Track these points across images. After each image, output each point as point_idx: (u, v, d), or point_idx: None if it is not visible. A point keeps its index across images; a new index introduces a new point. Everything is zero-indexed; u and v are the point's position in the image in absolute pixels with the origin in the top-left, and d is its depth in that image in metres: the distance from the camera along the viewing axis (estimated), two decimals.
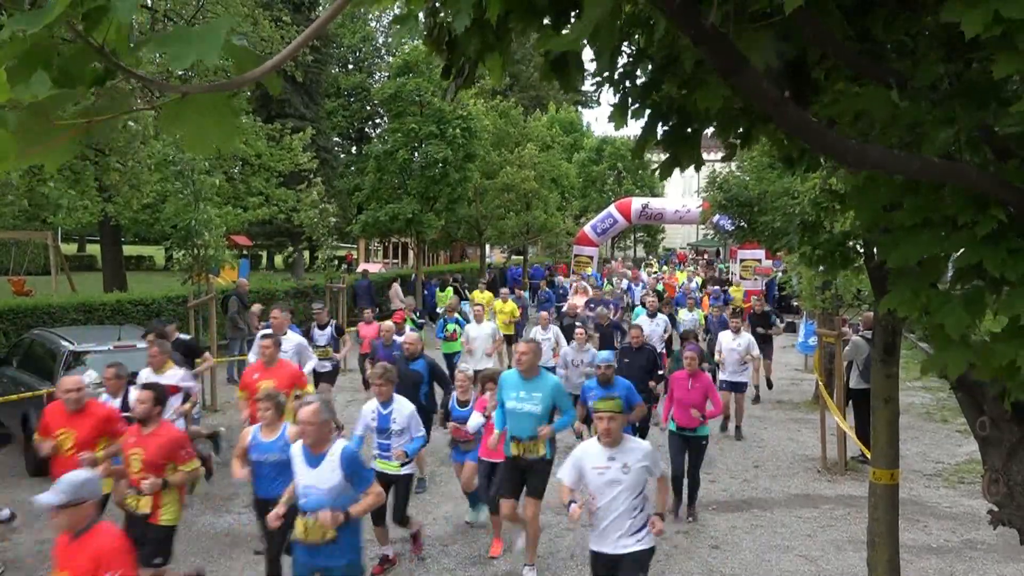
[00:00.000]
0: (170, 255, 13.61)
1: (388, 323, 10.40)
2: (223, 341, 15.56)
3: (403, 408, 6.45)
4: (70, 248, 42.73)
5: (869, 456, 5.21)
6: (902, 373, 5.98)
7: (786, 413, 12.64)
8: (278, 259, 48.02)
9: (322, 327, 11.13)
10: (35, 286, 24.15)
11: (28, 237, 21.20)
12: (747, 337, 11.52)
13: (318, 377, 10.19)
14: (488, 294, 17.09)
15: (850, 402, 9.82)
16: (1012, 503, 2.83)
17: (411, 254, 28.86)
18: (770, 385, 13.95)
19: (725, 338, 11.50)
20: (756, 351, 11.62)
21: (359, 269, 23.93)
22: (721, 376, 11.28)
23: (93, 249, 42.47)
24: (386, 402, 6.44)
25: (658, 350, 10.69)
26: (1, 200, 14.44)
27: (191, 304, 12.49)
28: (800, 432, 11.37)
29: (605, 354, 8.27)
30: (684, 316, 15.47)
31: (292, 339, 9.07)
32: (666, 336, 13.09)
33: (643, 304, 14.05)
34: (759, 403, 13.22)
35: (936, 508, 8.25)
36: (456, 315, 13.38)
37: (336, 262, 18.72)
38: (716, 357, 11.59)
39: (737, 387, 11.24)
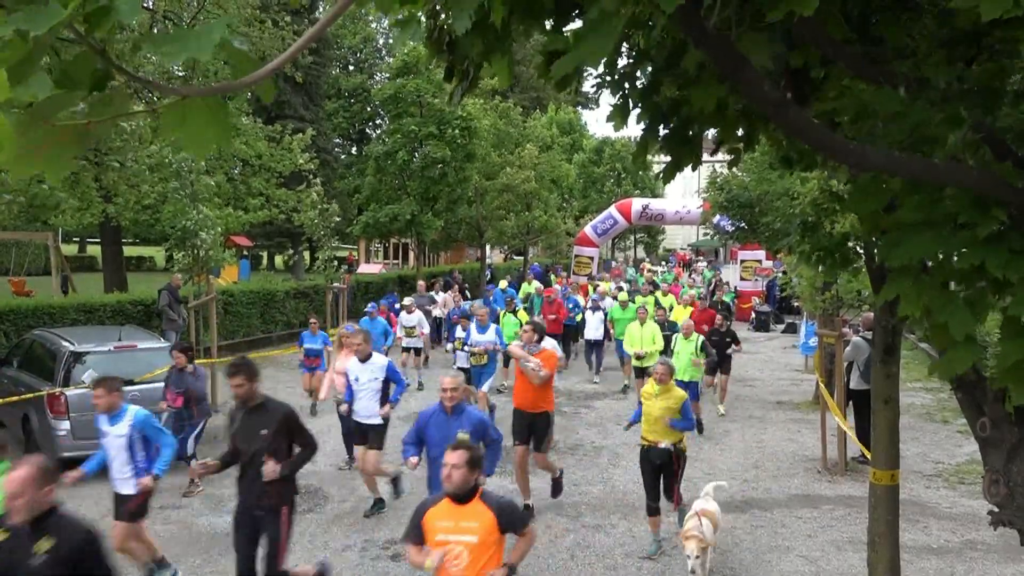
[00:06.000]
0: (170, 255, 13.58)
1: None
2: (223, 342, 15.59)
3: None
4: (71, 249, 42.71)
5: (869, 457, 5.20)
6: (902, 373, 5.98)
7: (786, 413, 12.64)
8: (279, 260, 48.03)
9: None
10: (36, 287, 24.16)
11: (29, 238, 21.17)
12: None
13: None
14: None
15: (850, 403, 9.81)
16: (1012, 504, 2.82)
17: (411, 255, 28.86)
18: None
19: None
20: None
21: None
22: None
23: (94, 250, 42.45)
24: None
25: None
26: None
27: (192, 304, 12.50)
28: (800, 432, 11.36)
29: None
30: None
31: None
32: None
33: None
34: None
35: (936, 509, 8.25)
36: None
37: (336, 263, 18.69)
38: None
39: None
